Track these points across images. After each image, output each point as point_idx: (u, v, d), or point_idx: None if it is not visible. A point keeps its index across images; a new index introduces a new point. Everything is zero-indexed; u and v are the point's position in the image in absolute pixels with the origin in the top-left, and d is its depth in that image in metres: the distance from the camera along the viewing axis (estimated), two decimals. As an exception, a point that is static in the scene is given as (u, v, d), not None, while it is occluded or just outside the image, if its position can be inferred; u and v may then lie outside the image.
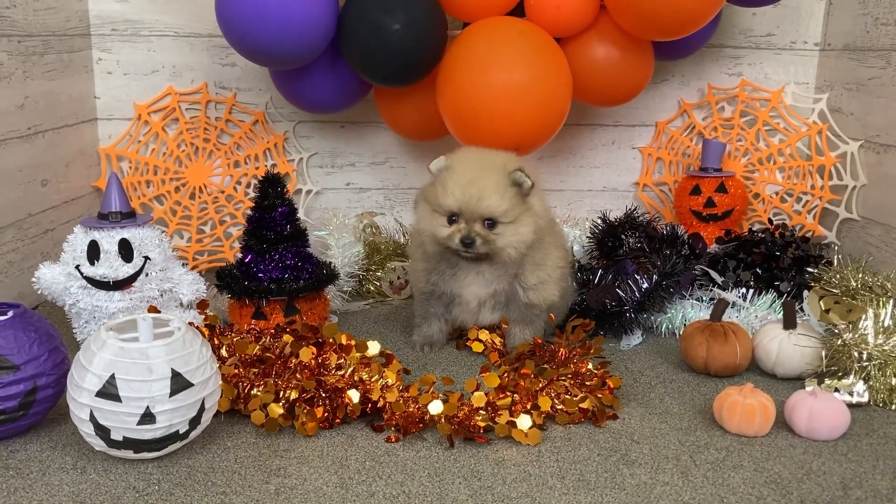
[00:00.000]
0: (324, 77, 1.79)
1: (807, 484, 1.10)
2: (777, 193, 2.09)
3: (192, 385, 1.07)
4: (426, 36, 1.67)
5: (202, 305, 1.41)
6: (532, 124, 1.70)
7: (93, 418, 1.05)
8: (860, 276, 1.58)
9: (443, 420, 1.20)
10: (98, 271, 1.40)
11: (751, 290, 1.64)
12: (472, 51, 1.69)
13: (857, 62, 1.94)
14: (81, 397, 1.04)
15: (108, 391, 1.03)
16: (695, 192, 1.99)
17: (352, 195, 2.17)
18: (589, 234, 1.87)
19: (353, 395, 1.22)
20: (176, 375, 1.05)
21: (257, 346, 1.28)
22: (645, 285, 1.55)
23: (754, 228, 1.93)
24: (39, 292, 1.44)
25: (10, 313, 1.19)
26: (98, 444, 1.08)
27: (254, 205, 1.49)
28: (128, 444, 1.06)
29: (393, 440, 1.19)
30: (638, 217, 1.83)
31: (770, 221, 1.99)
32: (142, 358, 1.04)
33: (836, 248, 1.96)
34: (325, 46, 1.67)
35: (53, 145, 1.84)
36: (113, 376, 1.03)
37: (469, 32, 1.73)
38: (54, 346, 1.18)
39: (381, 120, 2.01)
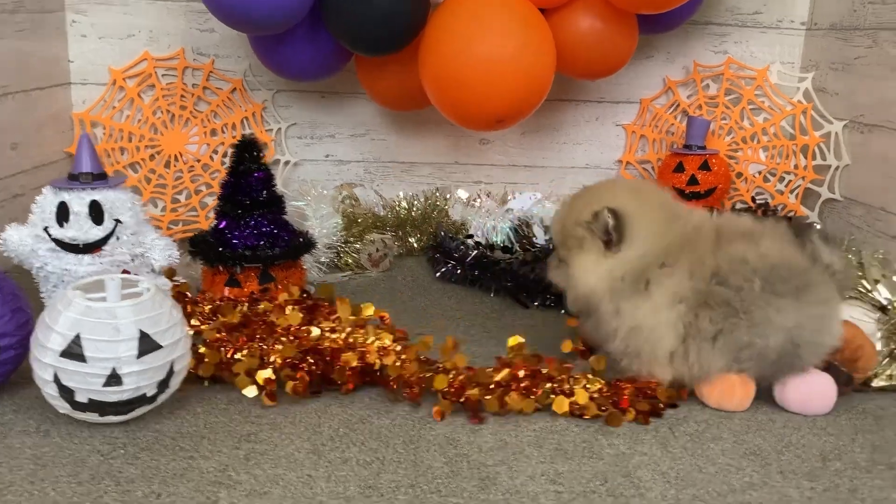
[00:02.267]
0: (304, 44, 1.75)
1: (786, 455, 1.08)
2: (760, 172, 2.08)
3: (161, 347, 1.04)
4: (409, 3, 1.64)
5: (169, 273, 1.37)
6: (515, 96, 1.67)
7: (57, 379, 1.01)
8: (844, 255, 1.57)
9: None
10: (67, 233, 1.36)
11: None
12: (455, 19, 1.66)
13: (843, 41, 1.93)
14: (45, 357, 1.01)
15: (73, 351, 1.00)
16: (678, 170, 1.98)
17: (331, 167, 2.13)
18: (571, 210, 1.84)
19: (351, 359, 1.19)
20: (144, 336, 1.02)
21: (238, 313, 1.25)
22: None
23: (737, 207, 1.92)
24: (6, 255, 1.40)
25: (-26, 272, 1.15)
26: (62, 406, 1.04)
27: (229, 170, 1.45)
28: (93, 406, 1.03)
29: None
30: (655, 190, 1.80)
31: (753, 200, 1.98)
32: (109, 317, 1.01)
33: (816, 227, 1.94)
34: (305, 12, 1.63)
35: (24, 108, 1.79)
36: (78, 336, 1.00)
37: (452, 1, 1.69)
38: (18, 307, 1.14)
39: (363, 90, 1.97)
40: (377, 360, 1.19)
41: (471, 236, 1.88)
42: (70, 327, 1.00)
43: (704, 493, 0.99)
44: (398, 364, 1.18)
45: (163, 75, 2.01)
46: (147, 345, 1.02)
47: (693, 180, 1.96)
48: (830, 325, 1.21)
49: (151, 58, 1.99)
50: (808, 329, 1.18)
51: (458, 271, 1.78)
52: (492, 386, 1.17)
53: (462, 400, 1.16)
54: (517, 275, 1.67)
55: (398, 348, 1.21)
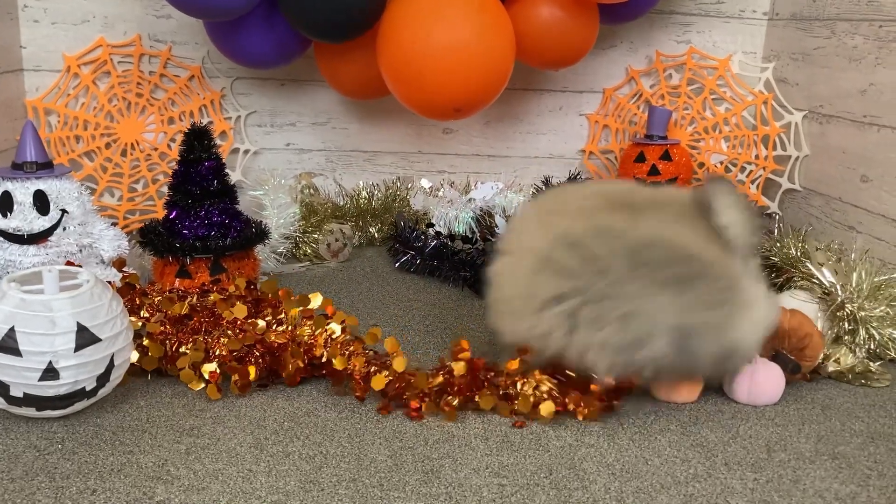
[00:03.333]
0: (260, 30, 1.72)
1: (732, 447, 1.09)
2: (722, 163, 2.09)
3: (100, 340, 1.02)
4: (365, -11, 1.62)
5: (118, 264, 1.35)
6: (473, 85, 1.65)
7: None
8: (801, 245, 1.58)
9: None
10: (11, 224, 1.33)
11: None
12: (412, 7, 1.64)
13: (803, 31, 1.93)
14: None
15: (7, 345, 0.98)
16: (639, 160, 1.97)
17: (292, 156, 2.11)
18: (530, 198, 1.84)
19: (297, 356, 1.17)
20: (82, 329, 1.00)
21: (185, 305, 1.23)
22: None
23: (697, 197, 1.91)
24: (-52, 245, 1.37)
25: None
26: (-3, 401, 1.02)
27: (179, 159, 1.42)
28: (29, 401, 1.01)
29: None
30: (580, 181, 1.80)
31: (713, 190, 1.98)
32: (44, 310, 0.99)
33: (778, 217, 1.96)
34: (260, -3, 1.60)
35: (-27, 95, 1.75)
36: (13, 329, 0.98)
37: (411, -13, 1.67)
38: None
39: (324, 78, 1.95)
40: (324, 353, 1.17)
41: (432, 225, 1.86)
42: (4, 320, 0.98)
43: (648, 486, 0.99)
44: (345, 357, 1.16)
45: (118, 62, 1.97)
46: (85, 338, 1.00)
47: (654, 170, 1.96)
48: (735, 335, 1.11)
49: (107, 44, 1.95)
50: (702, 338, 1.08)
51: (418, 261, 1.77)
52: (428, 390, 1.14)
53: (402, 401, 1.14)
54: (475, 265, 1.67)
55: (347, 339, 1.20)
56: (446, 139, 2.16)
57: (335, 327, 1.20)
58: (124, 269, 1.38)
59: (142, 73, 1.97)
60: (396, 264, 1.79)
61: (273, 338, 1.17)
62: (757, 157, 2.04)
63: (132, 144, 1.98)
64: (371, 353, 1.20)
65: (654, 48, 2.11)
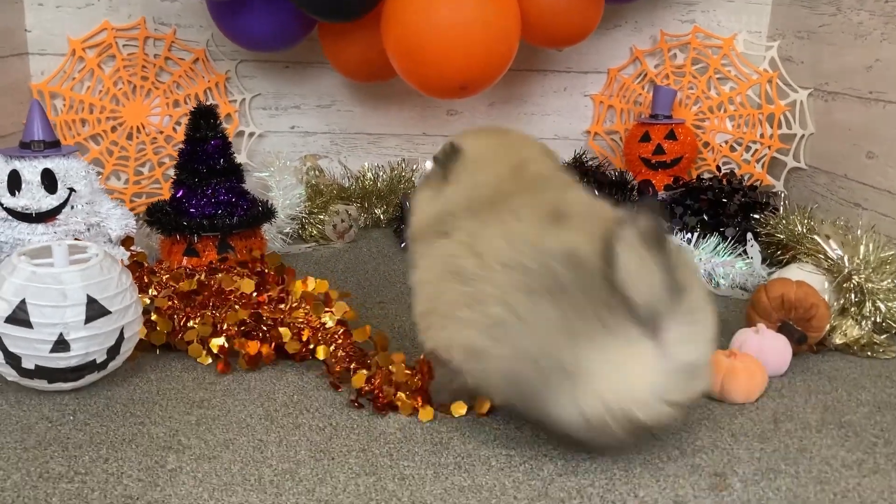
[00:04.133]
0: (263, 12, 1.72)
1: (739, 419, 1.09)
2: (727, 142, 2.08)
3: (110, 312, 1.02)
4: (369, -32, 1.62)
5: (126, 242, 1.36)
6: (478, 62, 1.66)
7: (2, 346, 1.00)
8: (806, 221, 1.58)
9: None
10: (20, 202, 1.34)
11: (696, 235, 1.62)
12: (418, -15, 1.64)
13: (808, 9, 1.92)
14: None
15: (19, 317, 0.98)
16: (644, 140, 1.97)
17: (296, 139, 2.11)
18: (537, 180, 1.84)
19: (285, 333, 1.17)
20: (92, 302, 1.01)
21: (193, 281, 1.23)
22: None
23: (703, 176, 1.92)
24: (-43, 225, 1.37)
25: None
26: (10, 373, 1.03)
27: (185, 138, 1.43)
28: (41, 373, 1.01)
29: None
30: (586, 162, 1.80)
31: (718, 169, 1.98)
32: (55, 283, 0.99)
33: (783, 195, 1.96)
34: (264, -24, 1.60)
35: (-21, 78, 1.76)
36: (24, 301, 0.98)
37: (415, -34, 1.67)
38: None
39: (328, 60, 1.95)
40: (312, 342, 1.17)
41: (436, 207, 1.86)
42: (15, 293, 0.99)
43: (655, 457, 0.99)
44: (330, 350, 1.16)
45: (123, 45, 1.97)
46: (95, 310, 1.01)
47: (659, 150, 1.96)
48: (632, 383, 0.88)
49: (111, 27, 1.95)
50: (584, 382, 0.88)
51: (422, 242, 1.77)
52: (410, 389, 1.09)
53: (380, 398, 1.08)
54: (481, 244, 1.67)
55: (339, 332, 1.18)
56: (451, 121, 2.16)
57: (328, 320, 1.19)
58: (132, 248, 1.39)
59: (147, 57, 1.97)
60: (402, 245, 1.79)
61: (267, 314, 1.17)
62: (762, 135, 2.04)
63: (138, 128, 1.98)
64: (358, 348, 1.17)
65: (658, 28, 2.10)
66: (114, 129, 1.98)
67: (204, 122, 1.41)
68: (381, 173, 2.02)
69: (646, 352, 0.87)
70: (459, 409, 1.06)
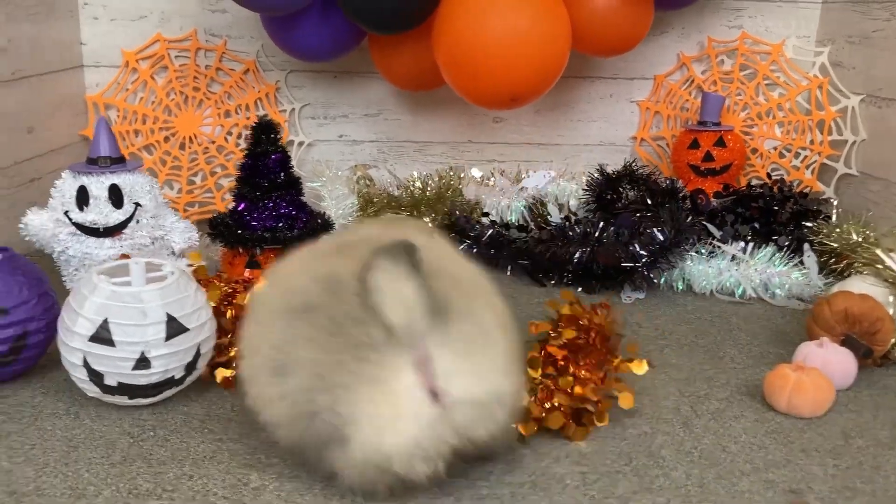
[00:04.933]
0: (316, 24, 1.74)
1: (808, 433, 1.09)
2: (775, 148, 2.07)
3: (188, 330, 1.05)
4: (423, -20, 1.63)
5: (190, 256, 1.38)
6: (530, 74, 1.66)
7: (86, 364, 1.02)
8: (862, 230, 1.57)
9: None
10: (88, 217, 1.36)
11: (750, 244, 1.62)
12: (470, -3, 1.65)
13: (860, 14, 1.91)
14: (73, 342, 1.02)
15: (102, 336, 1.01)
16: (693, 147, 1.97)
17: (344, 147, 2.13)
18: (585, 187, 1.84)
19: None
20: (171, 320, 1.03)
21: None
22: (660, 238, 1.53)
23: (752, 183, 1.91)
24: (27, 239, 1.40)
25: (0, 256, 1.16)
26: (92, 390, 1.06)
27: (246, 152, 1.45)
28: (122, 389, 1.04)
29: None
30: (637, 170, 1.80)
31: (768, 176, 1.97)
32: (136, 302, 1.02)
33: (835, 203, 1.94)
34: (319, -10, 1.62)
35: (39, 92, 1.79)
36: (106, 321, 1.01)
37: (467, -22, 1.68)
38: (44, 291, 1.15)
39: (376, 70, 1.97)
40: None
41: (487, 214, 1.88)
42: (97, 312, 1.01)
43: (727, 472, 1.00)
44: None
45: (175, 57, 2.00)
46: (174, 328, 1.03)
47: (708, 157, 1.95)
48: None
49: (164, 39, 1.98)
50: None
51: (475, 250, 1.78)
52: None
53: None
54: (533, 253, 1.67)
55: None
56: (496, 128, 2.16)
57: None
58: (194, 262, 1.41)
59: (198, 68, 2.00)
60: (453, 253, 1.80)
61: None
62: (812, 141, 2.03)
63: (190, 138, 2.01)
64: None
65: (705, 34, 2.09)
66: (167, 139, 2.01)
67: (265, 137, 1.43)
68: (430, 181, 2.03)
69: (408, 391, 0.81)
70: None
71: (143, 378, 1.03)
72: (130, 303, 1.02)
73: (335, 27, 1.75)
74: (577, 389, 1.08)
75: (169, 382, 1.06)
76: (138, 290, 1.03)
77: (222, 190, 2.03)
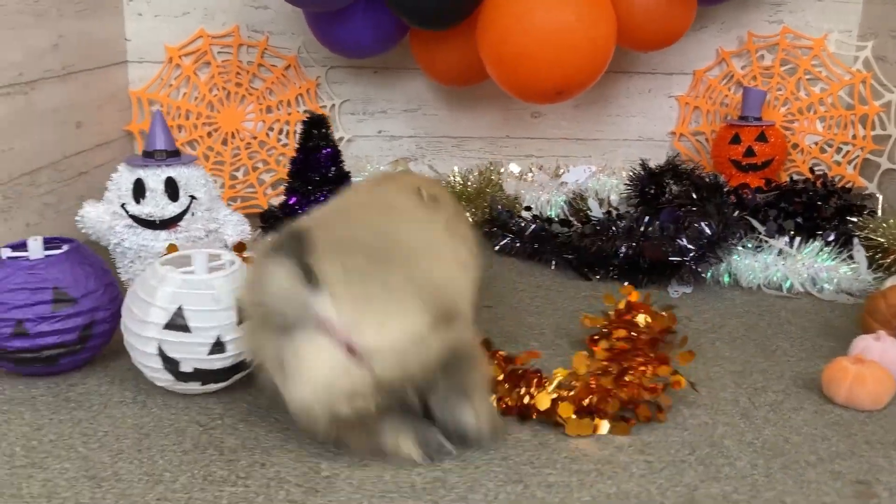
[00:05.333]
0: (361, 20, 1.75)
1: (870, 426, 1.09)
2: (817, 143, 2.07)
3: (254, 317, 1.06)
4: (469, -25, 1.64)
5: (239, 248, 1.40)
6: (576, 67, 1.67)
7: (161, 352, 1.04)
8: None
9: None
10: (144, 210, 1.38)
11: (797, 239, 1.62)
12: (515, -9, 1.66)
13: (904, 9, 1.90)
14: (147, 332, 1.03)
15: (177, 323, 1.03)
16: (734, 141, 1.97)
17: (383, 143, 2.14)
18: (627, 182, 1.85)
19: None
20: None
21: None
22: (708, 233, 1.53)
23: (795, 178, 1.90)
24: (83, 231, 1.42)
25: (65, 247, 1.18)
26: (164, 378, 1.07)
27: (298, 147, 1.46)
28: (197, 375, 1.06)
29: None
30: (680, 165, 1.80)
31: (811, 171, 1.97)
32: (207, 288, 1.04)
33: (879, 198, 1.93)
34: (366, -14, 1.63)
35: (86, 87, 1.81)
36: (181, 308, 1.03)
37: (512, -27, 1.69)
38: (109, 281, 1.17)
39: (415, 66, 1.98)
40: None
41: (529, 209, 1.88)
42: (171, 300, 1.03)
43: (793, 462, 1.00)
44: None
45: (218, 52, 2.02)
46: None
47: (750, 152, 1.95)
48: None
49: (207, 35, 2.00)
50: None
51: (517, 244, 1.79)
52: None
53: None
54: (578, 247, 1.68)
55: None
56: (535, 123, 2.17)
57: None
58: (243, 254, 1.43)
59: (240, 63, 2.02)
60: (496, 247, 1.81)
61: None
62: (854, 137, 2.02)
63: (232, 133, 2.03)
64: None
65: (745, 29, 2.09)
66: (209, 134, 2.03)
67: (316, 132, 1.45)
68: (470, 176, 2.04)
69: (317, 350, 0.91)
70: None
71: (218, 362, 1.05)
72: (203, 290, 1.04)
73: (379, 23, 1.76)
74: (629, 380, 1.10)
75: (240, 367, 1.08)
76: (209, 277, 1.05)
77: (264, 185, 2.05)
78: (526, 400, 1.09)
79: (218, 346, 1.04)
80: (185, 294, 1.03)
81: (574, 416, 1.06)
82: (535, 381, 1.11)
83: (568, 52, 1.64)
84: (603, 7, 1.68)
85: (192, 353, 1.03)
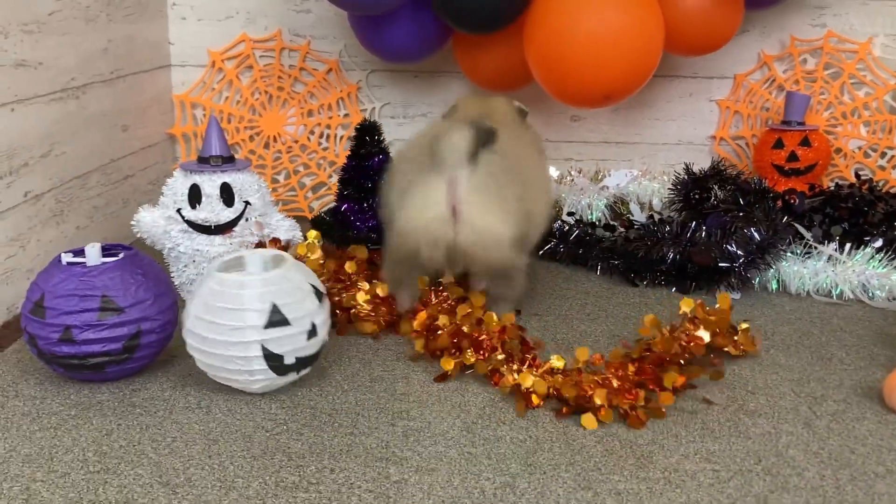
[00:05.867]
0: (406, 24, 1.75)
1: (935, 436, 1.08)
2: (860, 148, 2.05)
3: (324, 294, 1.15)
4: (517, -20, 1.64)
5: (259, 245, 1.44)
6: (624, 72, 1.66)
7: (265, 351, 1.07)
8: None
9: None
10: (200, 215, 1.39)
11: (847, 245, 1.61)
12: (562, -4, 1.65)
13: (952, 13, 1.88)
14: (246, 336, 1.06)
15: (276, 319, 1.07)
16: (777, 146, 1.95)
17: (424, 146, 2.14)
18: (671, 186, 1.84)
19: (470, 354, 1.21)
20: (315, 289, 1.12)
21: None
22: (757, 238, 1.52)
23: (840, 183, 1.89)
24: (139, 235, 1.44)
25: (121, 254, 1.19)
26: (263, 378, 1.09)
27: (350, 154, 1.47)
28: (297, 364, 1.11)
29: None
30: (725, 169, 1.79)
31: (857, 176, 1.95)
32: (288, 281, 1.09)
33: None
34: (413, -9, 1.64)
35: (132, 90, 1.83)
36: (275, 305, 1.06)
37: (559, -23, 1.69)
38: (162, 292, 1.17)
39: (455, 69, 1.98)
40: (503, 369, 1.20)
41: (572, 214, 1.88)
42: (261, 300, 1.06)
43: (861, 474, 0.99)
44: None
45: (260, 56, 2.03)
46: (319, 295, 1.13)
47: (793, 156, 1.94)
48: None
49: (249, 39, 2.01)
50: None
51: (561, 249, 1.78)
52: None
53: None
54: (625, 252, 1.67)
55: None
56: (574, 126, 2.17)
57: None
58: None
59: (282, 67, 2.03)
60: (539, 252, 1.81)
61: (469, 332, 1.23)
62: (899, 141, 2.00)
63: (274, 137, 2.04)
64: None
65: (787, 32, 2.08)
66: (251, 138, 2.04)
67: (368, 139, 1.45)
68: (511, 180, 2.04)
69: (435, 196, 1.26)
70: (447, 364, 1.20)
71: (313, 346, 1.12)
72: (285, 283, 1.08)
73: (424, 28, 1.77)
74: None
75: (323, 348, 1.14)
76: (284, 270, 1.10)
77: (305, 188, 2.06)
78: (515, 377, 1.15)
79: (312, 331, 1.10)
80: (272, 291, 1.07)
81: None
82: (530, 360, 1.20)
83: (616, 56, 1.64)
84: (651, 11, 1.67)
85: (295, 343, 1.08)
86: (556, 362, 1.18)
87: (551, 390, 1.13)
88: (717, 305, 1.30)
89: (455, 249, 1.26)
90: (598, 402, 1.10)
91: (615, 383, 1.13)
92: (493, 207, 1.27)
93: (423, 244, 1.25)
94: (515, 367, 1.17)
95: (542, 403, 1.13)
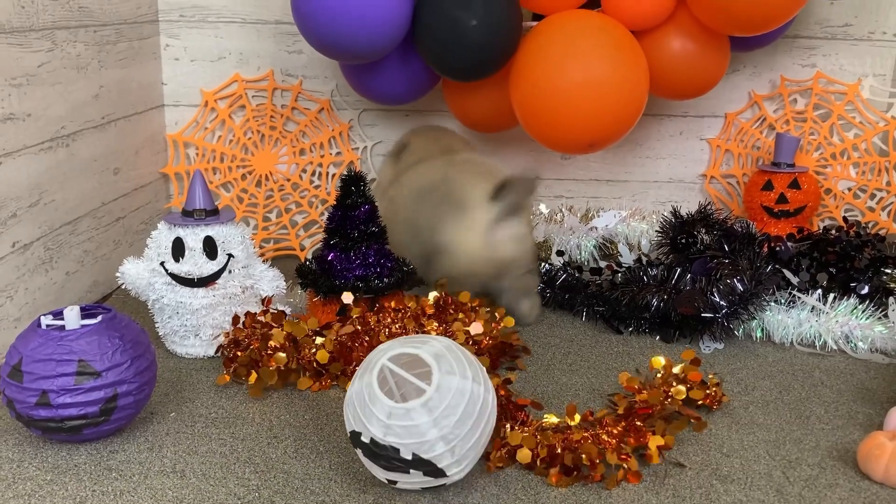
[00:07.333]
0: (395, 70, 1.77)
1: (906, 505, 1.08)
2: (850, 189, 2.05)
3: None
4: (502, 31, 1.65)
5: (266, 303, 1.43)
6: (608, 121, 1.67)
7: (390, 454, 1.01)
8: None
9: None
10: (183, 268, 1.40)
11: (831, 294, 1.61)
12: (548, 44, 1.66)
13: (940, 56, 1.89)
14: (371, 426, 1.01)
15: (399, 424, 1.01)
16: (766, 188, 1.96)
17: (415, 184, 2.15)
18: (658, 230, 1.84)
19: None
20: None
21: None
22: (740, 289, 1.53)
23: (827, 226, 1.89)
24: (123, 287, 1.45)
25: (99, 318, 1.20)
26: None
27: (335, 203, 1.48)
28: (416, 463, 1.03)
29: None
30: (712, 213, 1.80)
31: (844, 220, 1.96)
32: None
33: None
34: (400, 41, 1.65)
35: (124, 133, 1.85)
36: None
37: (545, 25, 1.70)
38: (139, 354, 1.18)
39: (446, 108, 1.99)
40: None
41: (561, 253, 1.89)
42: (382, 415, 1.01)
43: (829, 547, 1.00)
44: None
45: (253, 96, 2.05)
46: None
47: (782, 199, 1.94)
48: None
49: (242, 79, 2.03)
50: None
51: (548, 294, 1.78)
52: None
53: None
54: (609, 299, 1.68)
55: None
56: (564, 165, 2.18)
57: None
58: (272, 307, 1.46)
59: (274, 107, 2.05)
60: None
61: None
62: (889, 183, 2.00)
63: (266, 175, 2.05)
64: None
65: (777, 72, 2.08)
66: (243, 176, 2.06)
67: (354, 189, 1.46)
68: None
69: (478, 228, 1.57)
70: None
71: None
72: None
73: (413, 73, 1.78)
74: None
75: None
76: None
77: (297, 226, 2.07)
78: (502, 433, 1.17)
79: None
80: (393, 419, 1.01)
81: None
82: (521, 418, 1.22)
83: (601, 106, 1.65)
84: (636, 59, 1.68)
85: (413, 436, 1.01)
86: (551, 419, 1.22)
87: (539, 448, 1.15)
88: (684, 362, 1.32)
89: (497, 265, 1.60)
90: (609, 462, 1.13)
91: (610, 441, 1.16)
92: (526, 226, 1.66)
93: (476, 265, 1.58)
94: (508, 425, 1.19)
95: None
